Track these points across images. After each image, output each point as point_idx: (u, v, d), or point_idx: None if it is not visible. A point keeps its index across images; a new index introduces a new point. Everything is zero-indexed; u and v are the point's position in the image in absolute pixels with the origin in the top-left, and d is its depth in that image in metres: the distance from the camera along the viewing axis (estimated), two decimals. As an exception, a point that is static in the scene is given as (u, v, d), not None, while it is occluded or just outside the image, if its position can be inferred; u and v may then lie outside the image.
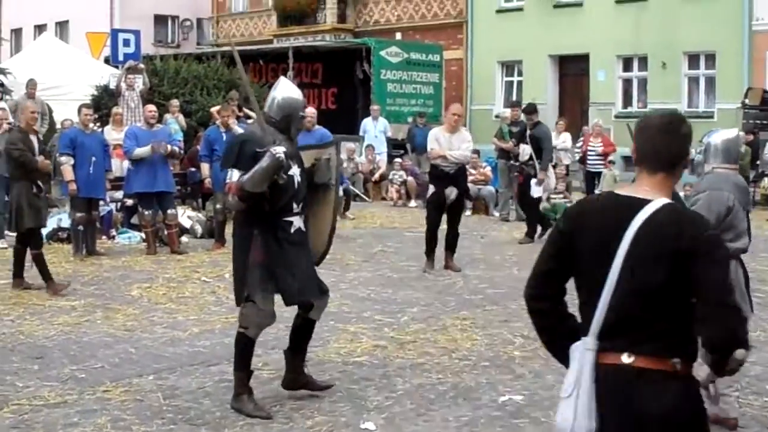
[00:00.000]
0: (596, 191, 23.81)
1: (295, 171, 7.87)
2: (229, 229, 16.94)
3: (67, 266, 15.03)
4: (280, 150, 7.59)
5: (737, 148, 8.05)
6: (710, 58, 32.60)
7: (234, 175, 7.67)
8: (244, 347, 8.00)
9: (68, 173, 15.46)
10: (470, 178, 20.27)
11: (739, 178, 7.85)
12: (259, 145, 7.71)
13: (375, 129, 27.89)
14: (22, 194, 12.99)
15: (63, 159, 15.66)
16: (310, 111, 18.27)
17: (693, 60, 33.19)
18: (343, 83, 33.55)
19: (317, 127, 17.84)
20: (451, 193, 14.56)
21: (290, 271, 7.81)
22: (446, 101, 33.49)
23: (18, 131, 13.67)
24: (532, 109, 18.52)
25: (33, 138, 13.56)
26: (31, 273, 13.18)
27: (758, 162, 25.11)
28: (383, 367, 9.17)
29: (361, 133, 27.89)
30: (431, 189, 14.81)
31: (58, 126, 21.03)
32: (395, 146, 28.87)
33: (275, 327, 10.68)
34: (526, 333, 10.55)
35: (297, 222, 7.88)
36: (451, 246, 14.94)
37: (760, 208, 24.47)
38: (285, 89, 8.18)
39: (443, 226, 14.86)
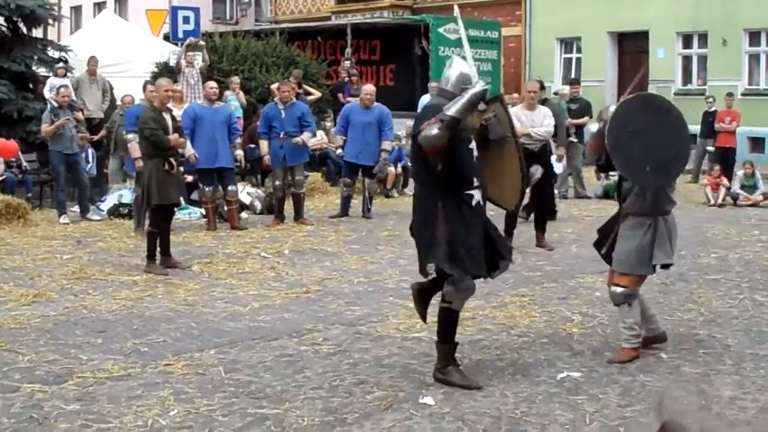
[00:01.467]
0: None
1: (473, 145, 8.12)
2: (288, 206, 17.16)
3: (129, 241, 15.22)
4: (483, 83, 8.02)
5: None
6: (772, 35, 32.26)
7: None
8: (451, 320, 8.17)
9: (136, 150, 15.44)
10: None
11: None
12: None
13: (434, 105, 27.86)
14: (153, 172, 13.11)
15: (130, 136, 15.84)
16: (370, 88, 18.37)
17: (754, 37, 32.81)
18: (401, 60, 33.49)
19: (376, 104, 17.94)
20: (537, 171, 14.49)
21: (468, 248, 7.95)
22: (505, 78, 33.43)
23: (151, 110, 13.62)
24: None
25: (167, 116, 13.58)
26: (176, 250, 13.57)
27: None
28: (442, 343, 9.22)
29: (419, 110, 27.89)
30: None
31: (119, 102, 21.20)
32: (454, 123, 28.81)
33: (335, 302, 10.82)
34: (584, 310, 10.58)
35: (477, 196, 8.07)
36: (542, 225, 14.96)
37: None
38: (460, 66, 8.39)
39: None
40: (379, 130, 17.80)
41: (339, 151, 18.97)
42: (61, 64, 22.33)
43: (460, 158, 7.93)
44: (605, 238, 9.04)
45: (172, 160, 13.33)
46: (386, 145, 18.00)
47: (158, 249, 13.14)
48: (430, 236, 7.90)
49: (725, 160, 23.68)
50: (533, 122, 14.57)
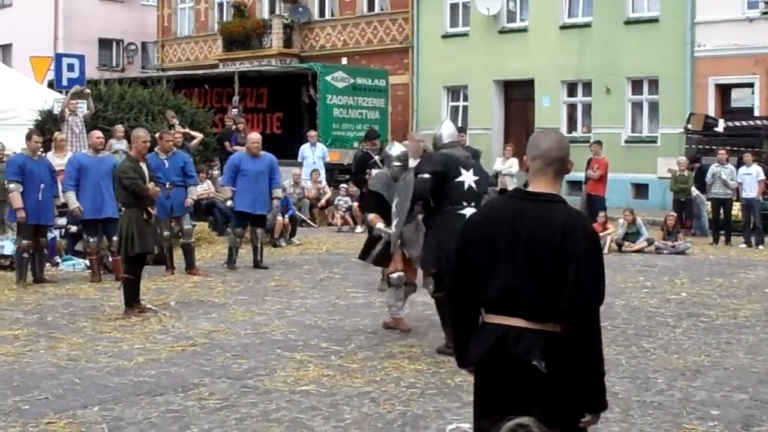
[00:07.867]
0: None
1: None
2: (177, 257, 16.92)
3: (10, 294, 14.85)
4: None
5: None
6: (653, 84, 32.93)
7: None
8: None
9: (17, 201, 15.43)
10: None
11: None
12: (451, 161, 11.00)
13: (313, 155, 27.84)
14: (132, 221, 13.30)
15: (12, 186, 15.57)
16: (255, 137, 18.25)
17: (636, 85, 33.50)
18: (288, 108, 33.52)
19: (263, 152, 17.80)
20: None
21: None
22: (392, 126, 33.56)
23: (129, 159, 13.90)
24: (374, 135, 18.05)
25: (143, 165, 13.81)
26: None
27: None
28: (330, 396, 9.12)
29: (299, 159, 27.79)
30: None
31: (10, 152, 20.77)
32: (341, 171, 28.82)
33: (222, 356, 10.65)
34: (473, 360, 10.54)
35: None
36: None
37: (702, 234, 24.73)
38: (448, 126, 11.60)
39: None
40: (270, 178, 17.66)
41: (229, 202, 18.65)
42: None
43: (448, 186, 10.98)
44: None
45: (150, 209, 13.58)
46: (278, 192, 17.95)
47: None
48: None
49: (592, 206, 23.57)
50: None
